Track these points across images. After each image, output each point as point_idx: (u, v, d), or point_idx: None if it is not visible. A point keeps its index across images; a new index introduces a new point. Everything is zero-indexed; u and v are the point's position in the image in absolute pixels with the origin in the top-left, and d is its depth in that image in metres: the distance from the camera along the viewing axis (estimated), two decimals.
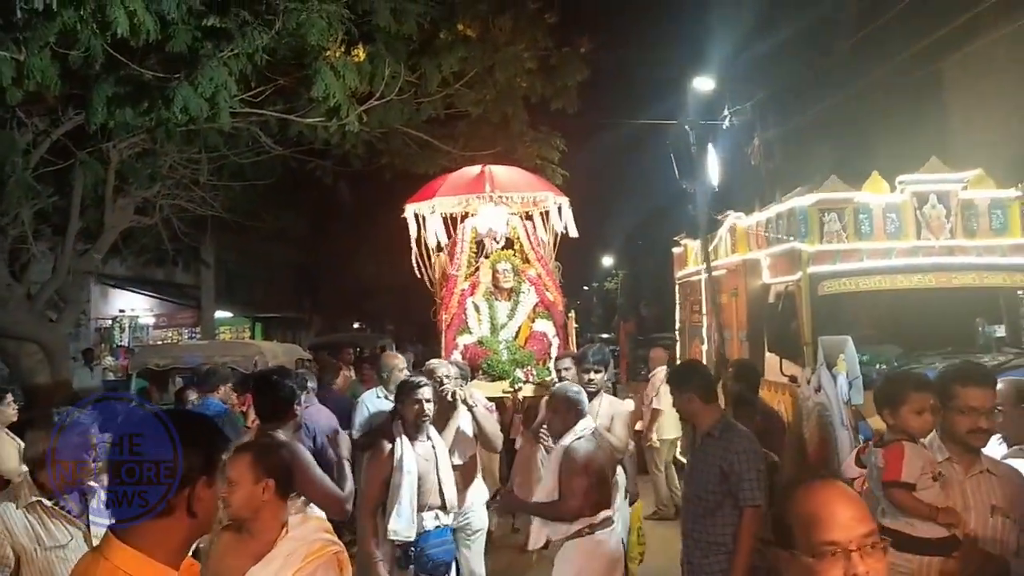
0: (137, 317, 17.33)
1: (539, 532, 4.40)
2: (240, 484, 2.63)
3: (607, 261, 43.60)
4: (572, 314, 7.04)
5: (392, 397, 5.40)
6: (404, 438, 4.44)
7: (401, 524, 4.31)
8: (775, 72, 15.72)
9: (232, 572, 2.56)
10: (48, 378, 10.14)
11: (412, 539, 4.32)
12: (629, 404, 5.92)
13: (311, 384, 5.81)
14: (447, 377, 5.14)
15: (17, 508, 3.03)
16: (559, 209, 6.63)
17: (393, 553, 4.36)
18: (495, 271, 6.41)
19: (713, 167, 11.97)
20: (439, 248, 6.70)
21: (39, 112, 8.98)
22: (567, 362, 5.66)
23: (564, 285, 6.82)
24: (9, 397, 5.57)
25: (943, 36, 12.73)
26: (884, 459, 3.22)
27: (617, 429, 5.08)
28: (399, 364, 5.79)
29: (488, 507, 5.36)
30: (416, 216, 6.64)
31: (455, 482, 4.66)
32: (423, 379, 4.66)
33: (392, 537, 4.33)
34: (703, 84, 13.69)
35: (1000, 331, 6.14)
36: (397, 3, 8.47)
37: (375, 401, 5.68)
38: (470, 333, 6.21)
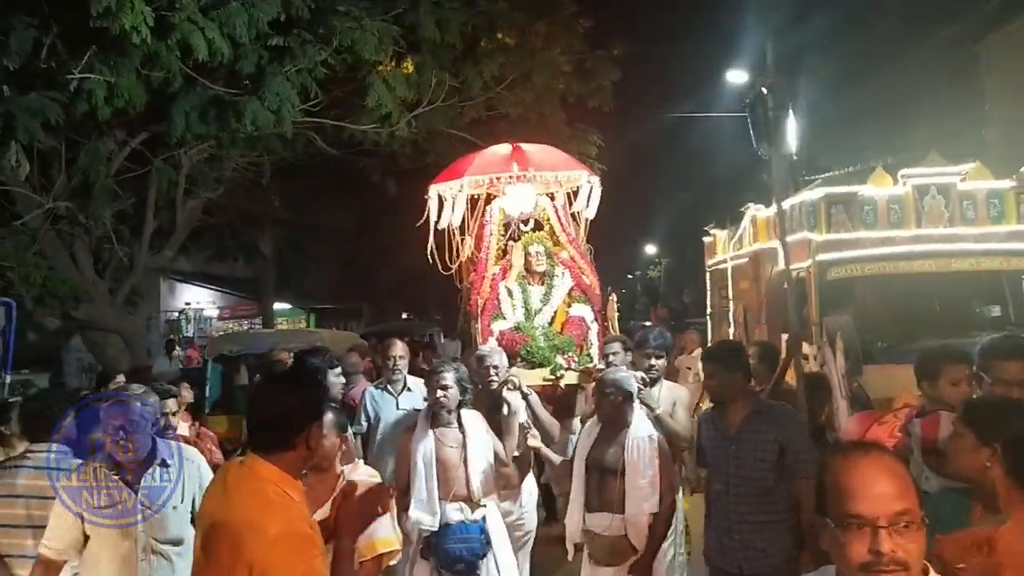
0: (202, 310, 18.48)
1: (577, 527, 4.20)
2: (330, 436, 3.05)
3: (650, 250, 43.93)
4: (613, 297, 6.88)
5: (392, 388, 5.53)
6: (425, 424, 4.33)
7: (421, 513, 4.17)
8: (810, 60, 16.04)
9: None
10: (129, 365, 11.10)
11: (435, 529, 4.15)
12: (691, 387, 5.71)
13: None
14: (496, 367, 4.93)
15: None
16: (590, 189, 6.31)
17: (416, 542, 4.21)
18: (527, 254, 6.04)
19: (792, 132, 11.05)
20: (463, 231, 6.34)
21: (119, 124, 9.81)
22: (615, 346, 5.35)
23: (607, 271, 6.94)
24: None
25: (983, 17, 12.99)
26: (922, 428, 3.43)
27: (680, 416, 4.80)
28: (398, 352, 5.63)
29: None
30: (440, 198, 6.28)
31: (510, 475, 4.55)
32: (445, 366, 4.46)
33: (413, 527, 4.19)
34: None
35: (996, 311, 6.63)
36: (441, 16, 9.18)
37: (375, 392, 5.60)
38: (504, 319, 5.90)
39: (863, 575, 1.55)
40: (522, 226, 6.25)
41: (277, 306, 18.85)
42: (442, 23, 9.22)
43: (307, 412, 2.38)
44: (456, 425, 4.36)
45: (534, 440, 4.56)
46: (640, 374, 4.69)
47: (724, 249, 9.01)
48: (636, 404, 4.24)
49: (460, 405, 4.38)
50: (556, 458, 4.71)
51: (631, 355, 5.24)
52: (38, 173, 9.37)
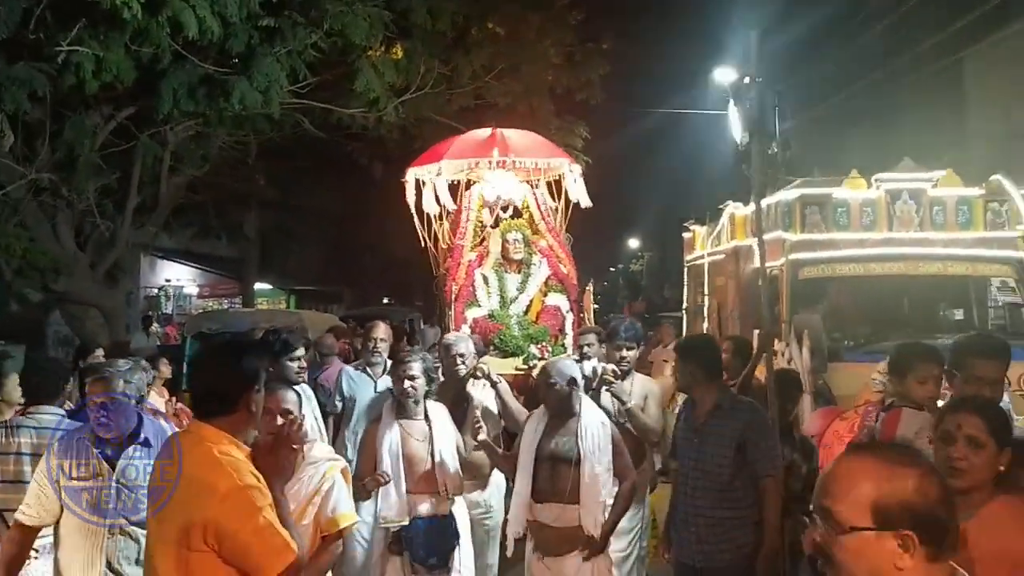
0: (182, 287, 18.47)
1: (522, 520, 4.05)
2: (294, 412, 3.06)
3: (633, 243, 44.14)
4: (590, 288, 6.83)
5: (371, 370, 5.38)
6: (390, 416, 4.19)
7: (388, 508, 4.05)
8: (796, 63, 16.23)
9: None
10: (108, 340, 11.11)
11: (404, 523, 4.03)
12: (663, 382, 5.53)
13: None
14: (462, 356, 4.73)
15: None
16: (574, 178, 6.23)
17: (385, 539, 4.09)
18: (505, 241, 5.93)
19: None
20: (441, 216, 6.20)
21: (105, 98, 9.79)
22: (590, 337, 5.16)
23: (589, 263, 6.95)
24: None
25: (964, 27, 13.21)
26: (883, 424, 3.53)
27: (651, 409, 4.70)
28: (380, 334, 5.46)
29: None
30: (418, 181, 6.17)
31: (479, 465, 4.44)
32: (412, 356, 4.28)
33: (382, 523, 4.09)
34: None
35: (959, 315, 6.83)
36: (433, 3, 9.25)
37: (353, 373, 5.46)
38: (479, 306, 5.81)
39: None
40: (500, 213, 6.16)
41: (258, 286, 18.86)
42: (434, 10, 9.30)
43: (245, 377, 2.50)
44: (423, 417, 4.21)
45: (482, 434, 4.27)
46: (612, 366, 4.63)
47: (703, 245, 9.18)
48: (582, 392, 4.13)
49: (426, 396, 4.24)
50: (510, 394, 4.81)
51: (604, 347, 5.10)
52: (22, 144, 9.35)
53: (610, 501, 3.96)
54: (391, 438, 4.11)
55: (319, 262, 21.60)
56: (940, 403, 3.40)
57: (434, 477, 4.10)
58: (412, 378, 4.15)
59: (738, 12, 15.27)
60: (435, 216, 6.12)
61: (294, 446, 2.61)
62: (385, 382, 5.19)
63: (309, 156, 12.84)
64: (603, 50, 11.15)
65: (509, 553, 4.28)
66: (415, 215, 6.11)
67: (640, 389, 4.73)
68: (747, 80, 5.59)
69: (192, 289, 19.10)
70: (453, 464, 4.18)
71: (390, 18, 8.67)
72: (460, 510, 4.29)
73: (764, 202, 7.32)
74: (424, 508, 4.08)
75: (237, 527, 2.31)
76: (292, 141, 11.68)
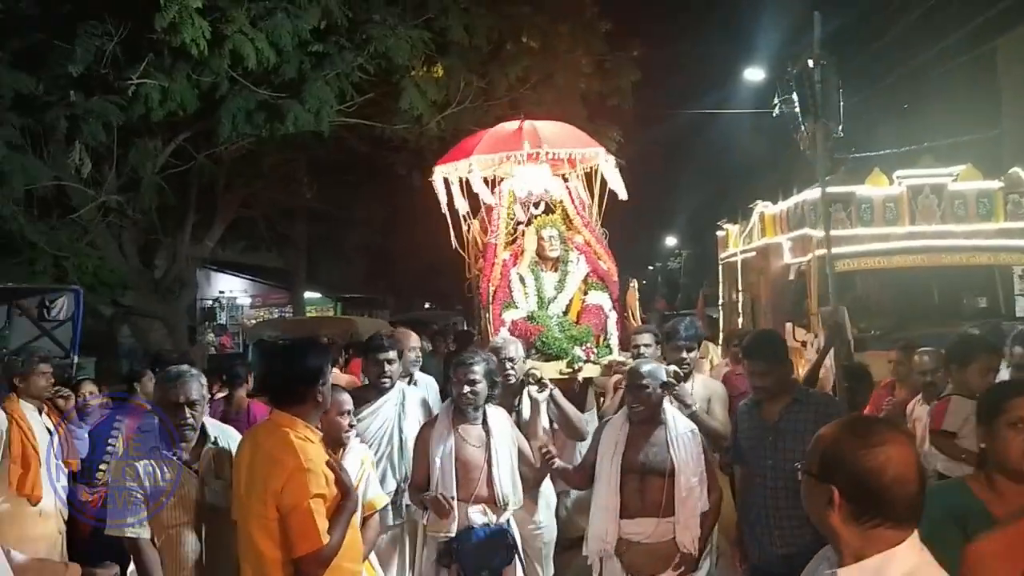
0: (235, 298, 19.25)
1: (610, 537, 3.73)
2: (345, 418, 3.47)
3: (671, 241, 44.23)
4: (633, 285, 6.54)
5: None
6: (446, 419, 3.96)
7: (437, 516, 3.81)
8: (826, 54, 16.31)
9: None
10: (173, 350, 11.78)
11: (451, 535, 3.77)
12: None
13: None
14: (511, 360, 4.48)
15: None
16: (610, 168, 5.86)
17: (433, 549, 3.86)
18: (540, 238, 5.57)
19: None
20: (472, 215, 5.93)
21: (166, 122, 10.43)
22: (646, 337, 4.98)
23: (629, 261, 6.81)
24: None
25: (996, 15, 13.27)
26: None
27: (717, 411, 4.46)
28: (411, 343, 4.99)
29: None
30: (447, 180, 5.88)
31: (526, 477, 4.03)
32: (475, 357, 4.01)
33: (430, 533, 3.90)
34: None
35: (983, 303, 7.09)
36: (469, 21, 9.73)
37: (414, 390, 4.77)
38: (516, 307, 5.44)
39: None
40: (532, 209, 5.82)
41: (307, 295, 19.57)
42: (470, 28, 9.76)
43: (313, 373, 2.95)
44: (481, 422, 3.95)
45: (557, 460, 4.01)
46: (673, 367, 4.29)
47: (735, 243, 9.52)
48: (667, 398, 3.92)
49: (487, 400, 3.99)
50: (564, 400, 4.50)
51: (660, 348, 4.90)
52: (91, 169, 10.04)
53: (707, 509, 3.76)
54: (446, 443, 3.88)
55: (363, 270, 22.24)
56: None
57: (490, 485, 3.84)
58: (473, 382, 3.91)
59: (768, 14, 15.52)
60: (465, 215, 5.88)
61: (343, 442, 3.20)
62: (416, 392, 4.70)
63: (353, 169, 13.40)
64: (633, 57, 11.50)
65: (596, 574, 3.86)
66: (447, 214, 5.86)
67: (703, 390, 4.51)
68: (810, 63, 5.01)
69: (245, 300, 19.88)
70: (512, 472, 3.92)
71: (429, 37, 9.17)
72: (515, 523, 4.04)
73: (790, 201, 7.68)
74: (477, 518, 3.81)
75: (291, 504, 2.71)
76: (338, 156, 12.24)
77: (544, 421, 4.48)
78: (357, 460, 3.41)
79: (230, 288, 19.30)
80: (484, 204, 5.80)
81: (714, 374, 6.17)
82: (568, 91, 11.40)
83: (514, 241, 5.74)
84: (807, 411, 3.52)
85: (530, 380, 4.51)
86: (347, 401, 3.46)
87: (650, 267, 50.13)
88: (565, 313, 5.55)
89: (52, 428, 4.64)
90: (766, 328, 5.74)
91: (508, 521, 3.92)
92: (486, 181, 5.91)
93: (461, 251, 5.94)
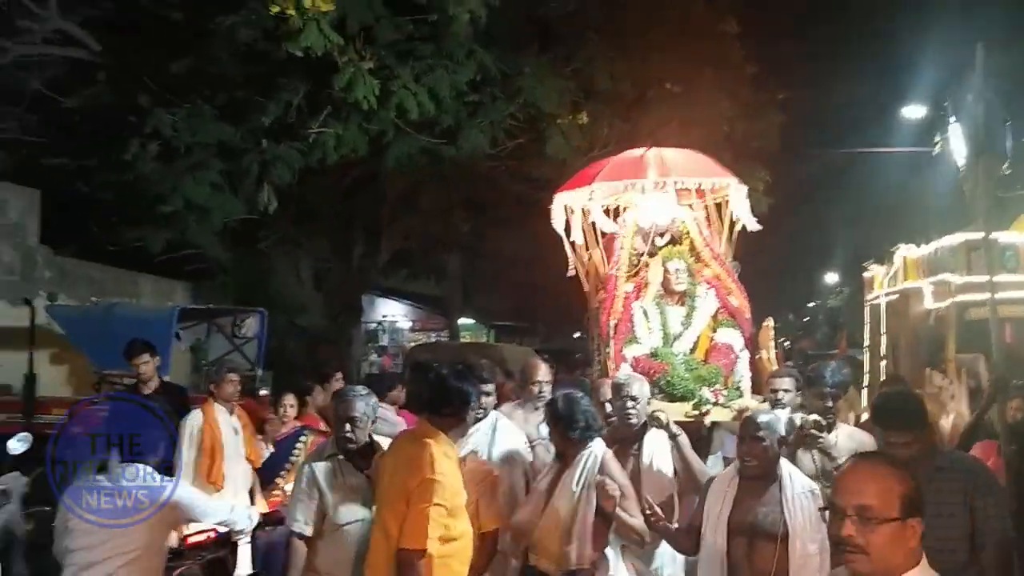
0: (396, 322, 20.68)
1: None
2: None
3: (832, 278, 42.52)
4: (768, 323, 6.05)
5: (529, 417, 4.62)
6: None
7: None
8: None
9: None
10: (340, 368, 12.91)
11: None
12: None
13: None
14: (635, 399, 4.12)
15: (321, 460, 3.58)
16: (740, 198, 5.49)
17: None
18: (666, 271, 5.27)
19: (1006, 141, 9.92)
20: (592, 244, 5.64)
21: (339, 164, 11.59)
22: (786, 382, 4.56)
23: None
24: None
25: None
26: None
27: None
28: (543, 376, 4.78)
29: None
30: (567, 208, 5.59)
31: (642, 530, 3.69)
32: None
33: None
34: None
35: None
36: (615, 69, 10.24)
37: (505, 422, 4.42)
38: (639, 343, 5.12)
39: (836, 552, 1.97)
40: (658, 240, 5.53)
41: (461, 321, 20.71)
42: (615, 76, 10.29)
43: (467, 394, 3.35)
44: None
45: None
46: (814, 417, 3.96)
47: (880, 285, 9.36)
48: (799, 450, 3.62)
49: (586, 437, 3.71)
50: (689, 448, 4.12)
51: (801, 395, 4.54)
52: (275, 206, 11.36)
53: None
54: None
55: (514, 299, 23.09)
56: None
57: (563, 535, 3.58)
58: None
59: (923, 50, 15.02)
60: (584, 245, 5.61)
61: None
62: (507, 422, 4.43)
63: (505, 205, 14.18)
64: (778, 100, 11.57)
65: None
66: (565, 243, 5.62)
67: (848, 443, 3.98)
68: (969, 97, 4.57)
69: (405, 324, 21.29)
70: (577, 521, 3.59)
71: (575, 87, 9.78)
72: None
73: (933, 245, 7.59)
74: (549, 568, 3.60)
75: (415, 503, 3.07)
76: (491, 193, 13.05)
77: (669, 468, 4.05)
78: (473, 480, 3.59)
79: (392, 313, 20.73)
80: (603, 234, 5.60)
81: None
82: (712, 133, 11.60)
83: (636, 273, 5.43)
84: (954, 482, 3.08)
85: (654, 423, 4.12)
86: None
87: (810, 304, 48.35)
88: (692, 351, 5.19)
89: (238, 428, 5.49)
90: (900, 389, 4.93)
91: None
92: (607, 211, 5.75)
93: (581, 281, 5.69)
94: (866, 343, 10.17)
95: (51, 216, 10.85)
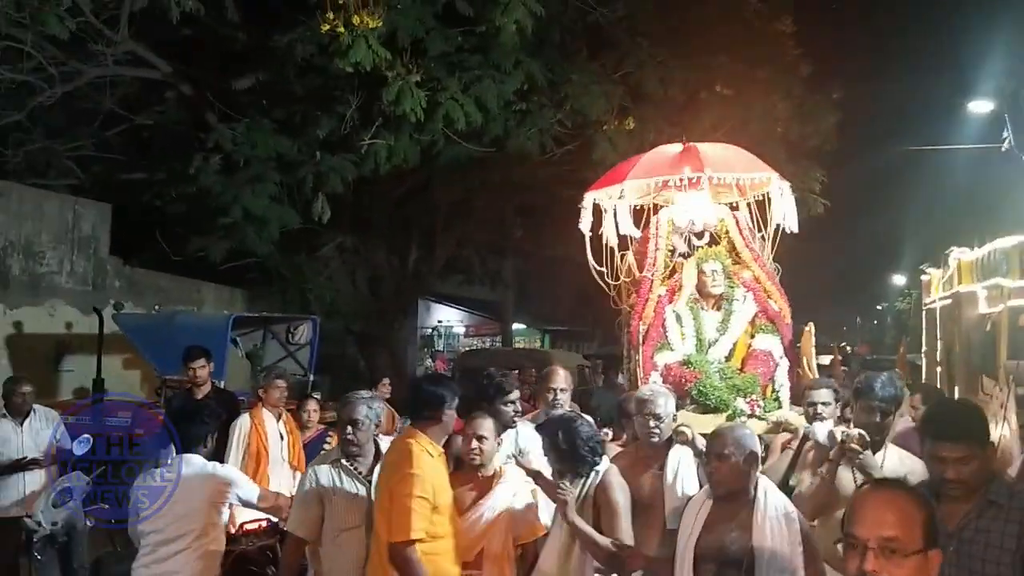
0: (451, 327, 20.99)
1: None
2: (489, 439, 3.61)
3: (900, 280, 41.34)
4: (809, 328, 5.40)
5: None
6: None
7: None
8: None
9: (462, 499, 3.52)
10: (395, 373, 13.20)
11: None
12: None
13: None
14: (659, 418, 3.80)
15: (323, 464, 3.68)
16: (781, 195, 5.08)
17: None
18: (701, 272, 4.96)
19: None
20: (624, 246, 5.28)
21: (392, 173, 11.84)
22: (824, 394, 4.11)
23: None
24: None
25: None
26: None
27: None
28: (560, 384, 4.53)
29: None
30: (598, 206, 5.31)
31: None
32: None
33: None
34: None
35: None
36: (664, 73, 10.23)
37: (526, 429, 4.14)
38: (671, 350, 4.82)
39: None
40: (695, 240, 5.22)
41: (515, 326, 20.86)
42: (665, 80, 10.28)
43: (440, 398, 3.43)
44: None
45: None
46: (857, 431, 3.55)
47: (936, 289, 9.15)
48: (759, 471, 3.22)
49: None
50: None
51: (848, 407, 4.26)
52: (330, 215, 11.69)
53: None
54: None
55: (569, 303, 23.13)
56: None
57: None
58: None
59: (990, 41, 14.54)
60: (616, 246, 5.25)
61: (474, 464, 3.46)
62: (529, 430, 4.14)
63: (556, 210, 14.25)
64: (833, 100, 11.38)
65: None
66: (588, 245, 5.23)
67: (896, 465, 3.49)
68: None
69: (460, 329, 21.60)
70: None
71: (624, 91, 9.82)
72: None
73: (983, 250, 7.40)
74: None
75: (397, 497, 3.21)
76: (542, 198, 13.15)
77: (694, 487, 3.67)
78: (508, 493, 3.59)
79: (447, 318, 21.04)
80: (632, 235, 5.25)
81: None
82: (764, 135, 11.46)
83: (672, 275, 5.14)
84: (1008, 523, 2.55)
85: (679, 439, 3.81)
86: (481, 426, 3.58)
87: (879, 307, 47.14)
88: (728, 359, 4.87)
89: (284, 433, 5.70)
90: (958, 398, 4.44)
91: None
92: (642, 209, 5.49)
93: (603, 283, 5.28)
94: (924, 348, 9.95)
95: (121, 228, 11.39)
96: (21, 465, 5.16)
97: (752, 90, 10.98)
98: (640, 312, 4.99)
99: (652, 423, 3.81)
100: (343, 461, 3.58)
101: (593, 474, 3.51)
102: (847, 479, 3.55)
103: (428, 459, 3.34)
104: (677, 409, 4.17)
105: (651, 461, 3.82)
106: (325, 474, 3.57)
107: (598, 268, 5.24)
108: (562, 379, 4.61)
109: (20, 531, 5.03)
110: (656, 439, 3.82)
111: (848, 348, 23.06)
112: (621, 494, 3.49)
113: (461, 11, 8.88)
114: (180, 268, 11.66)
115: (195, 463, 3.75)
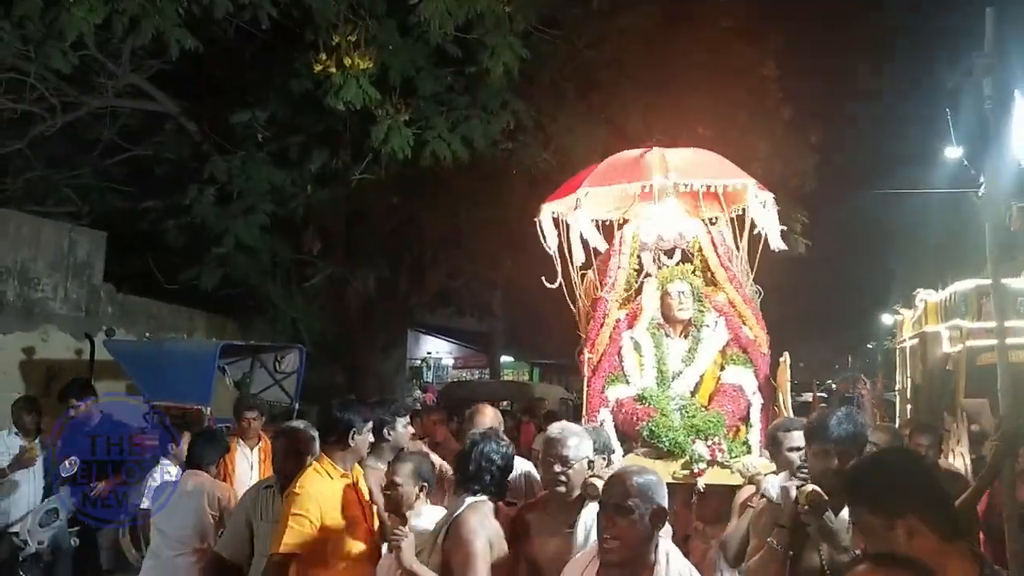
0: (440, 359, 21.20)
1: None
2: (406, 486, 3.42)
3: (888, 320, 41.72)
4: (785, 359, 4.38)
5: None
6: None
7: None
8: None
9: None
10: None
11: None
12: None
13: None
14: (564, 461, 3.12)
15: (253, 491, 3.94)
16: (759, 205, 4.52)
17: None
18: (666, 295, 4.38)
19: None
20: (587, 263, 4.72)
21: (380, 207, 12.08)
22: (795, 437, 3.28)
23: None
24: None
25: None
26: None
27: None
28: (486, 423, 4.14)
29: None
30: (557, 221, 4.72)
31: None
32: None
33: None
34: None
35: None
36: (648, 115, 10.57)
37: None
38: (626, 383, 4.27)
39: None
40: (663, 259, 4.68)
41: (504, 358, 21.07)
42: (648, 121, 10.61)
43: (347, 423, 3.58)
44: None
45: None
46: (811, 487, 2.89)
47: (907, 329, 9.47)
48: (668, 529, 2.71)
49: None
50: None
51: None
52: (320, 246, 11.95)
53: None
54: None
55: (559, 337, 23.35)
56: None
57: None
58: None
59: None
60: (577, 265, 4.67)
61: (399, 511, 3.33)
62: None
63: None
64: (810, 143, 11.73)
65: None
66: (558, 264, 4.71)
67: None
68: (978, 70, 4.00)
69: (448, 360, 21.79)
70: None
71: (606, 133, 10.15)
72: None
73: (944, 292, 7.70)
74: None
75: (282, 516, 3.38)
76: (531, 232, 13.40)
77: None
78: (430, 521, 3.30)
79: (436, 349, 21.25)
80: (595, 249, 4.76)
81: None
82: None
83: (636, 297, 4.60)
84: None
85: (589, 494, 3.08)
86: (398, 471, 3.41)
87: (869, 345, 47.54)
88: (693, 393, 4.31)
89: (254, 463, 5.81)
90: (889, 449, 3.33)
91: None
92: (603, 225, 4.91)
93: (571, 305, 4.73)
94: (897, 386, 10.22)
95: (115, 256, 11.63)
96: None
97: (732, 132, 11.30)
98: (594, 338, 4.42)
99: (558, 467, 3.12)
100: (272, 488, 3.76)
101: (454, 512, 3.05)
102: (810, 554, 2.84)
103: (323, 481, 3.47)
104: (626, 453, 3.80)
105: (560, 516, 3.11)
106: (251, 500, 3.78)
107: (566, 289, 4.70)
108: (490, 419, 4.28)
109: (9, 547, 5.22)
110: (562, 488, 3.13)
111: (832, 384, 23.21)
112: (479, 536, 2.96)
113: (451, 52, 9.23)
114: (173, 296, 11.87)
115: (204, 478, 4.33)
